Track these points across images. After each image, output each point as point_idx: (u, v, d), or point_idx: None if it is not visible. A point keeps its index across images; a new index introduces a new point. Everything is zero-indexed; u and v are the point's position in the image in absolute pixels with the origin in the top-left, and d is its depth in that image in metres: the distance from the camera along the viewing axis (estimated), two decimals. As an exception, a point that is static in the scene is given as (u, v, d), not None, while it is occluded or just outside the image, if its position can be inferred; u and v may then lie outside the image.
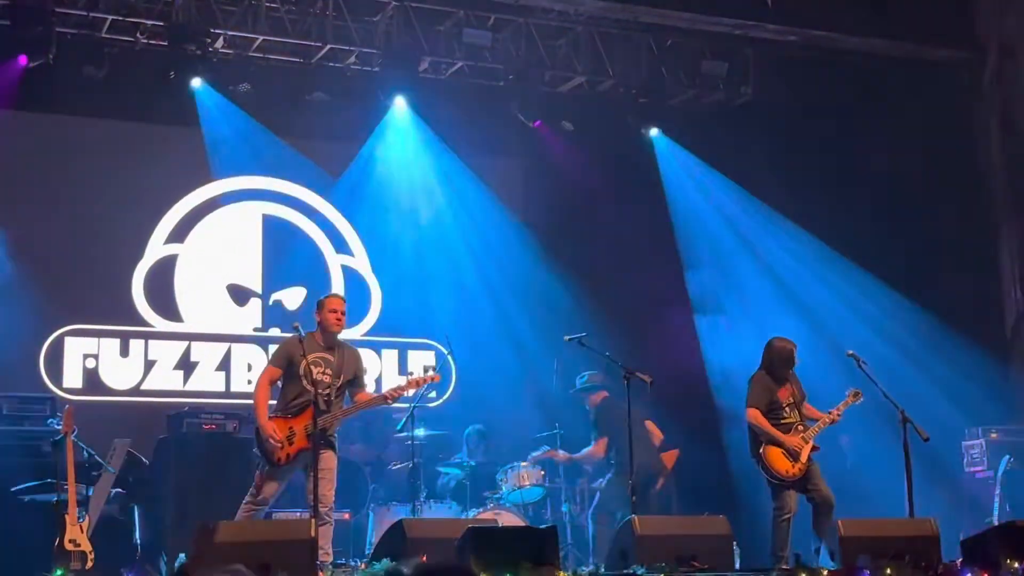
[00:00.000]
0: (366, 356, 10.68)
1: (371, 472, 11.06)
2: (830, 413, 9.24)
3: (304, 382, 8.21)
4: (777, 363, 9.33)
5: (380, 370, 12.87)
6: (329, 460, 8.27)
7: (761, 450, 9.16)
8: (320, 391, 8.21)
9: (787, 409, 9.22)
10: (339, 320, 8.45)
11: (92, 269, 11.89)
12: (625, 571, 7.50)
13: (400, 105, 12.39)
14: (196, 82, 11.64)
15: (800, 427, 9.20)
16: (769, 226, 12.92)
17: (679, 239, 13.27)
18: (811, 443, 9.14)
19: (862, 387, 9.30)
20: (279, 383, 8.52)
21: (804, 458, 9.07)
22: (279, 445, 8.11)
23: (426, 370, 8.67)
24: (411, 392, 8.65)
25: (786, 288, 12.63)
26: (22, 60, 10.90)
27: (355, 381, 8.49)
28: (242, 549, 6.87)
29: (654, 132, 13.18)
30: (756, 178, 12.89)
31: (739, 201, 13.04)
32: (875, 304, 12.39)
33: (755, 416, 9.18)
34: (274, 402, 8.62)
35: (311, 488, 8.08)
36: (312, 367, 8.19)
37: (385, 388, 9.69)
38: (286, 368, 8.32)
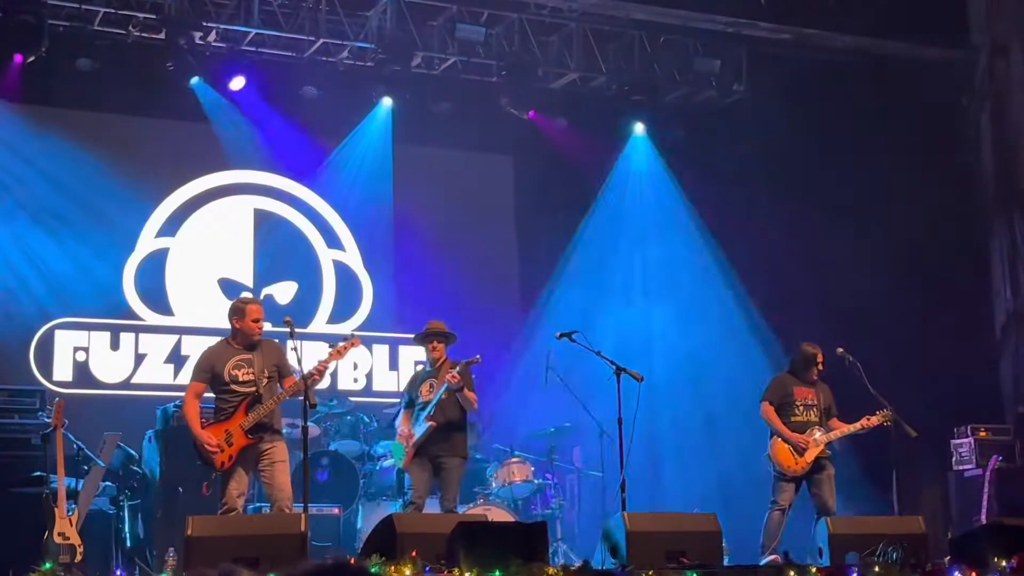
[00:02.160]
0: (358, 352, 10.69)
1: (361, 467, 11.05)
2: (860, 423, 9.37)
3: (233, 386, 8.36)
4: (799, 364, 9.61)
5: (371, 365, 12.88)
6: (281, 451, 8.39)
7: (770, 441, 9.38)
8: (249, 390, 8.35)
9: (800, 408, 9.43)
10: (260, 327, 8.57)
11: (83, 262, 11.86)
12: (615, 567, 7.51)
13: (388, 101, 12.38)
14: (189, 76, 11.63)
15: (817, 429, 9.32)
16: (749, 222, 12.92)
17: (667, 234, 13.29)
18: (821, 447, 9.27)
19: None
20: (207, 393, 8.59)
21: (810, 457, 9.24)
22: (217, 450, 8.20)
23: (346, 339, 8.63)
24: (334, 363, 8.63)
25: (780, 284, 12.63)
26: (18, 57, 10.88)
27: (282, 371, 8.53)
28: (231, 543, 6.87)
29: (639, 130, 13.20)
30: (748, 176, 12.90)
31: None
32: (864, 302, 12.39)
33: (764, 409, 9.48)
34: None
35: (268, 481, 8.27)
36: (235, 371, 8.38)
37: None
38: (209, 380, 8.43)
